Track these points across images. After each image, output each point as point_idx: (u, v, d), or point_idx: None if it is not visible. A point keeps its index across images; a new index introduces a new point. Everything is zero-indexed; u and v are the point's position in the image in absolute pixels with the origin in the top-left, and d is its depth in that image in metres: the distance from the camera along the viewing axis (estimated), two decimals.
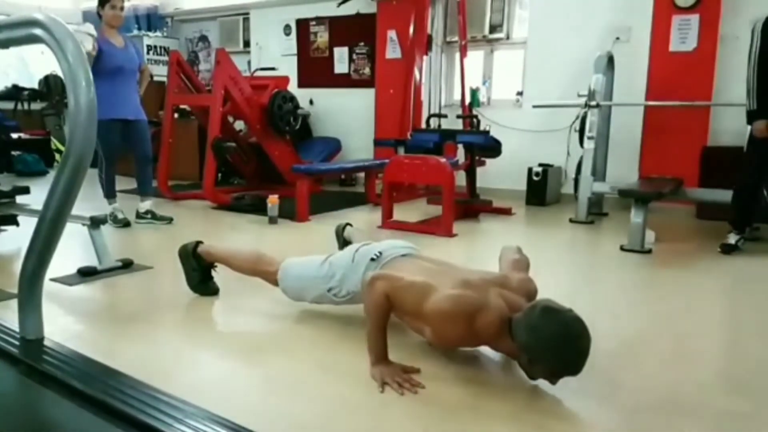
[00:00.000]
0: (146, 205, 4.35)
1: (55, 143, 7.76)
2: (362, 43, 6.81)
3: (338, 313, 2.43)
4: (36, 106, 8.23)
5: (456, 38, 6.04)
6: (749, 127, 3.54)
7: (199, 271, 2.58)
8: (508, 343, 1.75)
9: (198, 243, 2.59)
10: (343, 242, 3.09)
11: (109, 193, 4.20)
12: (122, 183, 4.35)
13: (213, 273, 2.63)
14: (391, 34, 6.33)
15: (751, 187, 3.64)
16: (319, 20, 7.09)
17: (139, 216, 4.33)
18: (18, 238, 3.35)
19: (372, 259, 2.15)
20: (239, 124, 6.25)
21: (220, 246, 2.68)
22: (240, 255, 2.57)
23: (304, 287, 2.32)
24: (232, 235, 4.13)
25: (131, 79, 4.19)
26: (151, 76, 4.67)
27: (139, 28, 8.02)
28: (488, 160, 5.37)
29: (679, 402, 1.74)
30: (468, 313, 1.72)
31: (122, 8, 4.16)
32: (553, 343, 1.62)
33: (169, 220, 4.33)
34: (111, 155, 4.14)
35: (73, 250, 3.17)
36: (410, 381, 1.78)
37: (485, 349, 2.15)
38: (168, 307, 2.54)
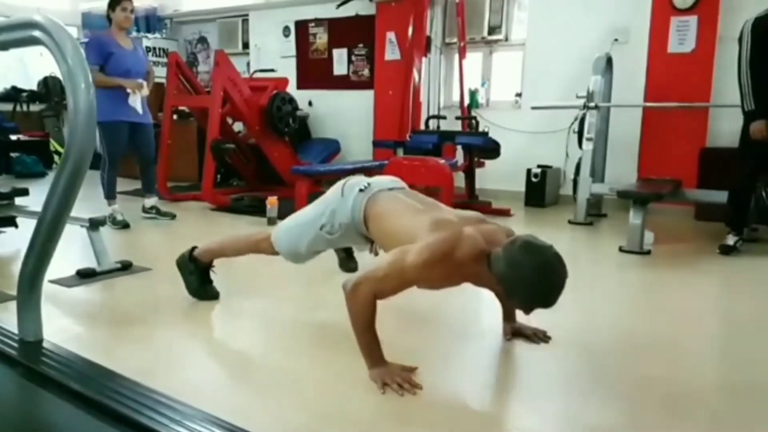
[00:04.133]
0: (152, 201, 4.47)
1: (54, 145, 7.76)
2: (361, 45, 6.81)
3: (338, 314, 2.43)
4: (35, 107, 8.24)
5: (455, 40, 6.04)
6: (742, 127, 3.55)
7: (197, 275, 2.56)
8: (487, 276, 1.78)
9: (193, 248, 2.58)
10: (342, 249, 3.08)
11: (110, 195, 4.21)
12: (122, 184, 4.36)
13: (212, 276, 2.61)
14: (390, 35, 6.33)
15: (747, 188, 3.64)
16: (318, 22, 7.10)
17: (144, 211, 4.45)
18: (17, 239, 3.35)
19: (360, 190, 2.14)
20: (238, 126, 6.25)
21: (211, 242, 2.64)
22: (232, 240, 2.57)
23: (298, 235, 2.29)
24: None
25: None
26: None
27: (138, 30, 8.02)
28: (487, 162, 5.37)
29: (679, 402, 1.74)
30: (444, 253, 1.74)
31: (132, 10, 4.20)
32: (530, 277, 1.66)
33: (172, 216, 4.46)
34: (115, 157, 4.18)
35: (72, 251, 3.17)
36: (410, 381, 1.77)
37: (484, 350, 2.15)
38: (167, 309, 2.54)
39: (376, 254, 2.32)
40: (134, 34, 7.71)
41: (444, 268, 1.77)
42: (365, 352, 1.85)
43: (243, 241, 2.52)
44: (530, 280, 1.66)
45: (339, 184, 2.26)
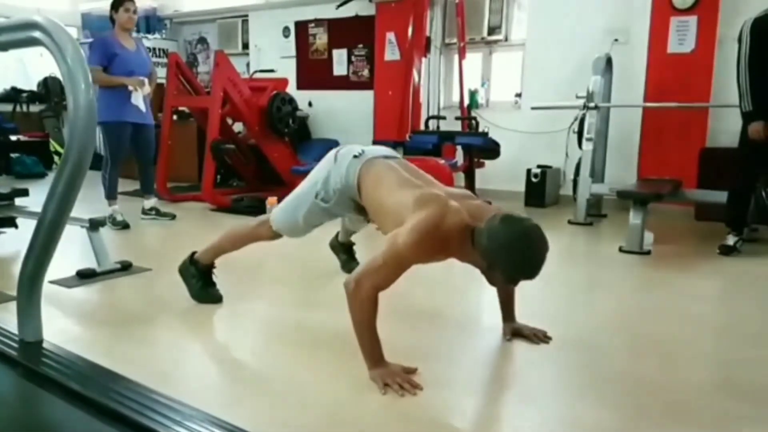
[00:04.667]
0: (151, 202, 4.48)
1: (54, 145, 7.75)
2: (361, 45, 6.81)
3: (338, 315, 2.44)
4: (35, 108, 8.24)
5: (455, 40, 6.04)
6: (741, 127, 3.55)
7: (199, 277, 2.54)
8: (471, 251, 1.80)
9: (193, 253, 2.57)
10: (342, 248, 3.08)
11: (111, 195, 4.22)
12: (122, 185, 4.36)
13: (214, 278, 2.58)
14: (390, 36, 6.32)
15: (746, 188, 3.64)
16: (318, 22, 7.09)
17: (144, 212, 4.46)
18: (17, 240, 3.35)
19: (355, 156, 2.17)
20: (238, 126, 6.25)
21: (210, 243, 2.63)
22: (229, 233, 2.55)
23: (295, 207, 2.32)
24: None
25: None
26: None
27: (138, 31, 7.99)
28: (487, 162, 5.37)
29: (679, 403, 1.74)
30: (431, 229, 1.78)
31: (135, 11, 4.23)
32: (510, 248, 1.70)
33: (172, 216, 4.48)
34: (118, 157, 4.20)
35: (71, 252, 3.17)
36: (410, 382, 1.77)
37: (484, 350, 2.16)
38: (167, 309, 2.54)
39: (368, 221, 2.34)
40: (134, 34, 7.71)
41: (434, 244, 1.80)
42: (366, 352, 1.85)
43: (240, 231, 2.52)
44: (510, 249, 1.70)
45: (332, 152, 2.30)
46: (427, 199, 1.86)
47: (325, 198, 2.23)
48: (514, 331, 2.20)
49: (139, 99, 4.10)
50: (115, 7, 4.14)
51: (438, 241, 1.80)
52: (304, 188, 2.31)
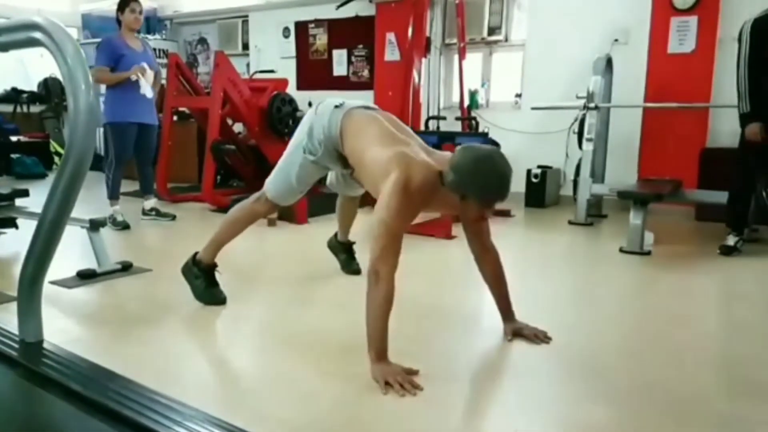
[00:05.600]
0: (151, 202, 4.49)
1: (54, 146, 7.75)
2: (361, 46, 6.81)
3: (338, 316, 2.44)
4: (35, 108, 8.24)
5: (455, 40, 6.04)
6: (740, 129, 3.55)
7: (202, 277, 2.53)
8: (446, 193, 1.90)
9: (195, 254, 2.57)
10: (341, 247, 3.08)
11: (114, 195, 4.23)
12: (123, 185, 4.35)
13: (218, 278, 2.57)
14: (390, 36, 6.33)
15: (745, 188, 3.64)
16: (318, 23, 7.10)
17: (144, 213, 4.47)
18: (17, 241, 3.35)
19: (336, 107, 2.26)
20: (238, 127, 6.25)
21: (209, 239, 2.62)
22: (226, 221, 2.56)
23: (286, 171, 2.40)
24: None
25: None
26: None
27: (139, 31, 8.01)
28: None
29: (680, 404, 1.74)
30: (402, 190, 1.87)
31: (141, 12, 4.28)
32: (476, 171, 1.83)
33: (173, 217, 4.49)
34: (123, 158, 4.22)
35: (72, 252, 3.16)
36: (411, 382, 1.77)
37: (485, 350, 2.15)
38: (167, 310, 2.54)
39: (352, 174, 2.42)
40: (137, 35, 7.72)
41: (412, 201, 1.91)
42: (375, 344, 1.85)
43: (237, 214, 2.53)
44: (476, 172, 1.83)
45: (312, 107, 2.39)
46: (393, 163, 1.94)
47: (312, 150, 2.30)
48: (514, 331, 2.20)
49: (146, 87, 4.12)
50: (121, 8, 4.19)
51: (415, 198, 1.90)
52: (290, 149, 2.40)
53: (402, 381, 1.76)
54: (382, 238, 1.87)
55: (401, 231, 1.91)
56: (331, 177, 2.79)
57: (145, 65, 4.16)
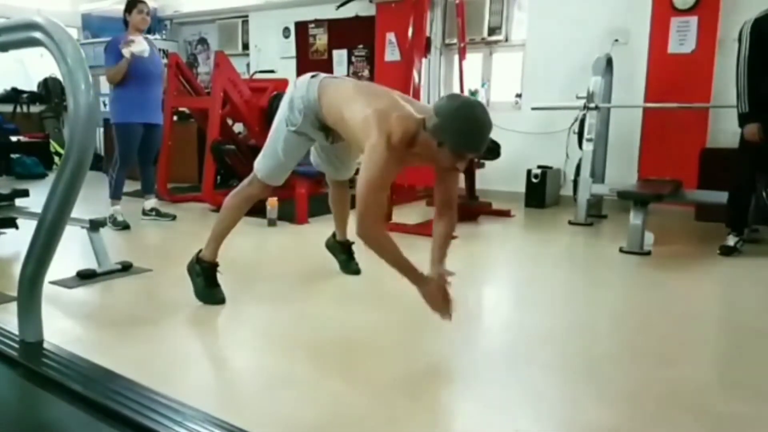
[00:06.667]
0: (151, 202, 4.50)
1: (54, 146, 7.76)
2: (361, 46, 6.82)
3: (338, 318, 2.44)
4: (35, 108, 8.25)
5: (455, 41, 6.04)
6: (740, 129, 3.55)
7: (203, 276, 2.54)
8: (427, 140, 1.96)
9: (199, 251, 2.59)
10: (340, 247, 3.08)
11: (116, 194, 4.23)
12: (124, 185, 4.35)
13: (218, 278, 2.57)
14: (390, 36, 6.33)
15: (745, 189, 3.64)
16: (318, 23, 7.10)
17: (144, 213, 4.47)
18: (17, 241, 3.35)
19: (312, 77, 2.41)
20: (238, 127, 6.25)
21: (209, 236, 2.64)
22: (223, 212, 2.63)
23: (273, 148, 2.52)
24: (230, 237, 4.10)
25: (157, 83, 4.34)
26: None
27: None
28: (487, 162, 5.35)
29: (679, 404, 1.74)
30: (384, 146, 1.97)
31: (148, 12, 4.30)
32: (456, 116, 1.90)
33: (173, 217, 4.50)
34: (129, 157, 4.23)
35: (72, 252, 3.17)
36: (448, 302, 2.03)
37: (484, 350, 2.15)
38: (167, 310, 2.54)
39: (332, 142, 2.54)
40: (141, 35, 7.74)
41: (397, 154, 2.00)
42: (405, 275, 2.04)
43: (232, 201, 2.61)
44: (455, 117, 1.89)
45: (291, 83, 2.53)
46: (371, 123, 2.03)
47: (293, 121, 2.41)
48: (440, 275, 2.14)
49: (141, 44, 4.07)
50: (128, 9, 4.21)
51: (398, 151, 2.00)
52: (275, 126, 2.51)
53: (440, 308, 2.03)
54: (367, 201, 2.00)
55: (384, 186, 2.06)
56: (314, 155, 2.86)
57: (132, 37, 4.11)
